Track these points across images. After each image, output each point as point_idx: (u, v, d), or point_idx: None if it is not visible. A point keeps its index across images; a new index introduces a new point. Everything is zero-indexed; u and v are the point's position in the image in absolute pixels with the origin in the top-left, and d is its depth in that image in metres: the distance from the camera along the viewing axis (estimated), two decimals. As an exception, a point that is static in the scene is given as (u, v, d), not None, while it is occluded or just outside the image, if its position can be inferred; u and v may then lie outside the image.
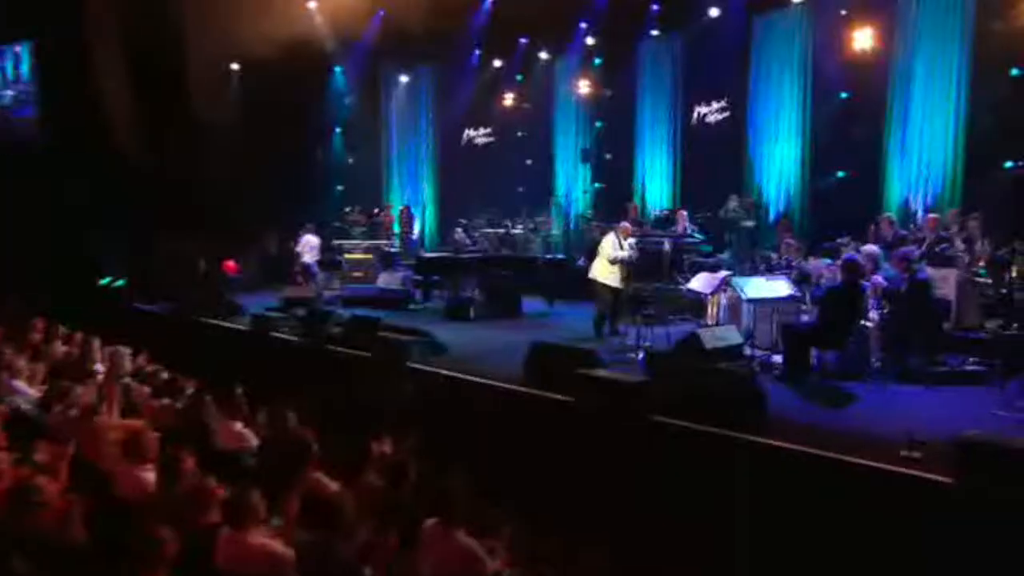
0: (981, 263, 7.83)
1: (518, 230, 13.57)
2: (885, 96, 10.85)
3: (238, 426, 5.43)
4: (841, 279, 6.22)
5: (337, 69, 16.20)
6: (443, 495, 3.73)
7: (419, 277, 11.48)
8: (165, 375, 6.76)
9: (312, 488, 4.09)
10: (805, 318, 6.78)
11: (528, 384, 6.35)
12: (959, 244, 8.09)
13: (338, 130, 16.84)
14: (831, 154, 11.31)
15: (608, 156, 14.66)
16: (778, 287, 6.99)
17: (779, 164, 12.23)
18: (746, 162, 12.62)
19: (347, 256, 13.07)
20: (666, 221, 12.24)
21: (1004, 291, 6.74)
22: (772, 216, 12.18)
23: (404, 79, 16.98)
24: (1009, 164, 9.31)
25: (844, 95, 11.36)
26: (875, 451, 4.51)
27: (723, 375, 5.39)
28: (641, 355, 7.37)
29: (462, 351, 8.02)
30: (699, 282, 8.14)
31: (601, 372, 5.83)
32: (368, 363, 7.51)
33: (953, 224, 8.67)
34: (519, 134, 15.80)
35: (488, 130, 16.43)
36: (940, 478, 3.99)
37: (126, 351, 7.45)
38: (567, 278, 11.20)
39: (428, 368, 7.03)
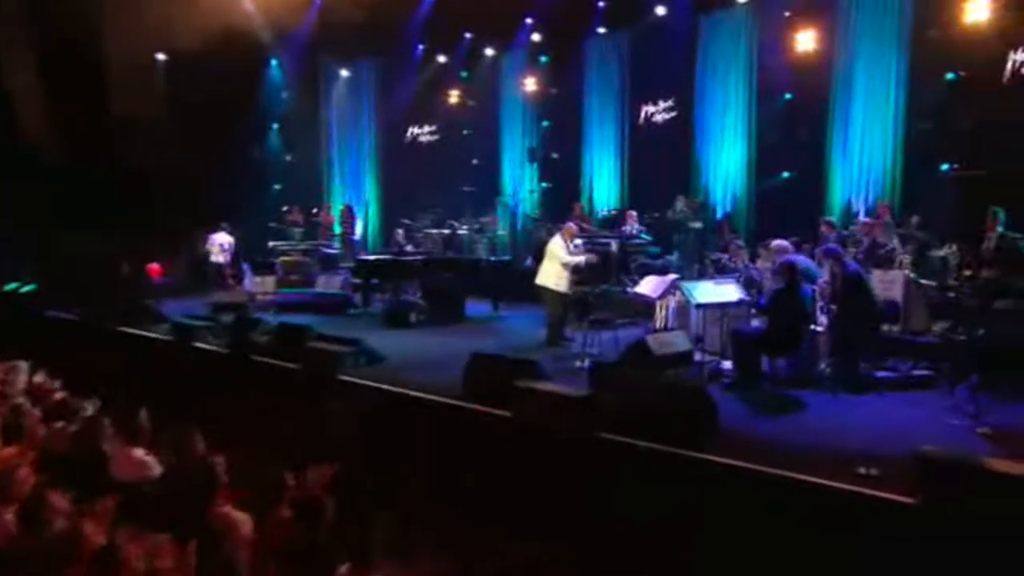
0: (914, 264, 7.74)
1: (463, 231, 13.08)
2: (827, 98, 10.90)
3: (139, 452, 4.79)
4: (780, 284, 5.95)
5: (273, 62, 15.38)
6: (363, 536, 3.22)
7: (358, 281, 10.83)
8: (60, 394, 5.99)
9: (216, 523, 3.53)
10: (755, 323, 6.51)
11: (467, 398, 5.88)
12: (897, 245, 7.98)
13: (275, 126, 16.01)
14: (776, 155, 11.33)
15: (555, 155, 14.37)
16: (727, 291, 6.72)
17: (725, 165, 12.18)
18: (693, 162, 12.54)
19: (283, 258, 12.32)
20: (614, 222, 11.99)
21: (951, 295, 6.58)
22: (719, 217, 12.12)
23: (345, 73, 16.28)
24: (946, 167, 9.41)
25: (788, 96, 11.41)
26: (831, 466, 4.22)
27: (673, 388, 5.04)
28: (587, 363, 6.99)
29: (400, 360, 7.50)
30: (647, 286, 7.84)
31: (543, 385, 5.41)
32: (295, 376, 6.90)
33: (883, 216, 8.49)
34: (465, 132, 15.42)
35: (433, 127, 15.98)
36: (901, 498, 3.69)
37: (24, 366, 6.62)
38: (513, 280, 10.83)
39: (360, 381, 6.48)
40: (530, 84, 14.68)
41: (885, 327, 6.79)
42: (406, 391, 6.11)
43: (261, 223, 13.74)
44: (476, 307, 10.67)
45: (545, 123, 14.69)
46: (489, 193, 14.92)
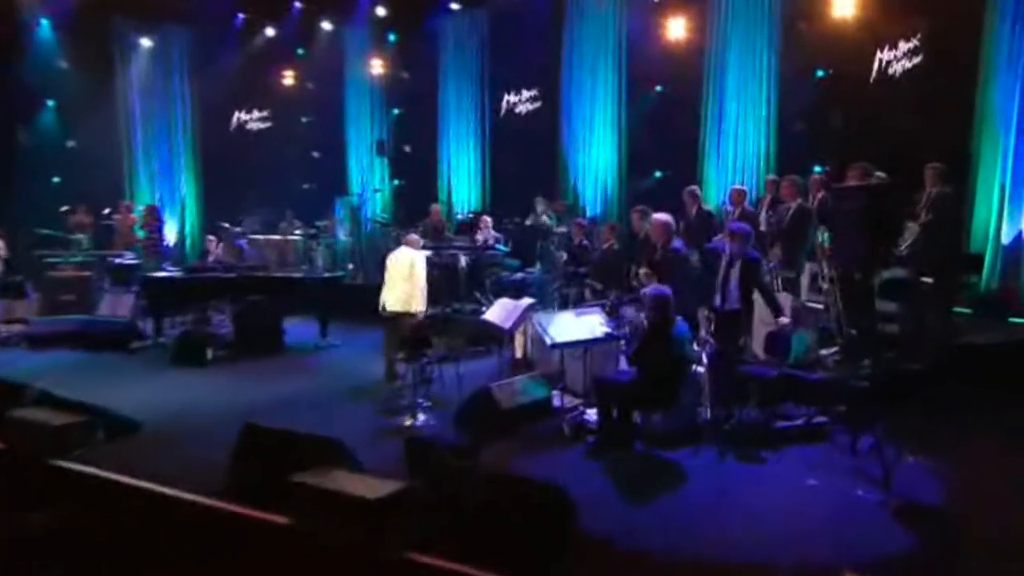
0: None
1: (297, 235, 11.18)
2: (701, 92, 10.30)
3: None
4: (648, 320, 4.80)
5: (43, 22, 12.49)
6: None
7: (147, 303, 8.66)
8: None
9: None
10: (624, 364, 5.28)
11: (234, 492, 4.17)
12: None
13: (50, 103, 13.10)
14: (648, 153, 10.74)
15: (407, 148, 13.30)
16: (590, 324, 5.47)
17: (595, 162, 11.43)
18: (560, 160, 11.76)
19: (53, 273, 9.78)
20: (471, 227, 10.68)
21: (836, 324, 5.73)
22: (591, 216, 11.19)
23: (146, 43, 13.64)
24: (818, 169, 8.80)
25: (660, 88, 10.83)
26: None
27: (513, 485, 3.62)
28: (421, 419, 5.52)
29: (166, 424, 5.63)
30: (497, 311, 6.51)
31: (335, 478, 3.81)
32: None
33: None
34: (303, 120, 13.95)
35: (264, 113, 14.29)
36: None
37: None
38: (350, 298, 9.17)
39: (83, 468, 4.56)
40: (377, 66, 13.21)
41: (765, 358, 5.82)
42: (143, 484, 4.28)
43: (33, 225, 10.98)
44: (303, 332, 8.87)
45: (396, 111, 13.51)
46: (333, 191, 13.28)
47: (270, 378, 7.18)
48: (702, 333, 5.26)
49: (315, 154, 13.83)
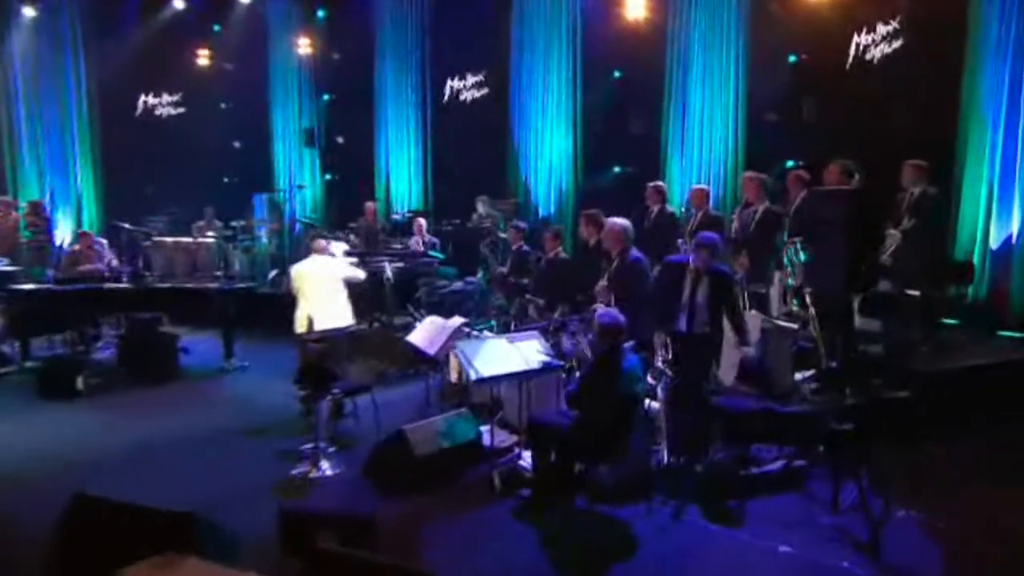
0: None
1: (209, 238, 10.34)
2: (663, 79, 9.88)
3: None
4: (596, 351, 4.23)
5: None
6: None
7: (9, 320, 7.73)
8: None
9: None
10: (568, 401, 4.65)
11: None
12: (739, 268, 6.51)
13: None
14: (607, 145, 10.40)
15: (340, 139, 12.79)
16: (526, 351, 4.82)
17: (548, 155, 11.03)
18: (510, 153, 11.36)
19: None
20: (407, 229, 10.14)
21: (813, 343, 5.22)
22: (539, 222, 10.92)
23: (29, 12, 12.56)
24: (791, 164, 8.43)
25: (618, 74, 10.42)
26: None
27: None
28: (324, 468, 4.83)
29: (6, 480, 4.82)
30: (422, 333, 5.89)
31: (180, 571, 3.08)
32: None
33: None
34: (221, 105, 13.27)
35: (176, 97, 13.56)
36: None
37: None
38: (264, 311, 8.41)
39: None
40: (305, 45, 12.50)
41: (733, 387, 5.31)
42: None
43: None
44: (208, 352, 8.09)
45: (326, 97, 12.91)
46: (258, 186, 12.63)
47: (152, 413, 6.39)
48: (659, 362, 4.66)
49: (236, 144, 13.26)
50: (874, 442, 4.57)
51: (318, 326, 5.93)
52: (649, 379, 4.66)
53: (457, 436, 4.86)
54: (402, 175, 12.55)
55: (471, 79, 11.73)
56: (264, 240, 10.90)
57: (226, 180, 12.87)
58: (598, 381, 4.04)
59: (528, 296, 6.35)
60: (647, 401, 4.64)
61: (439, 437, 4.76)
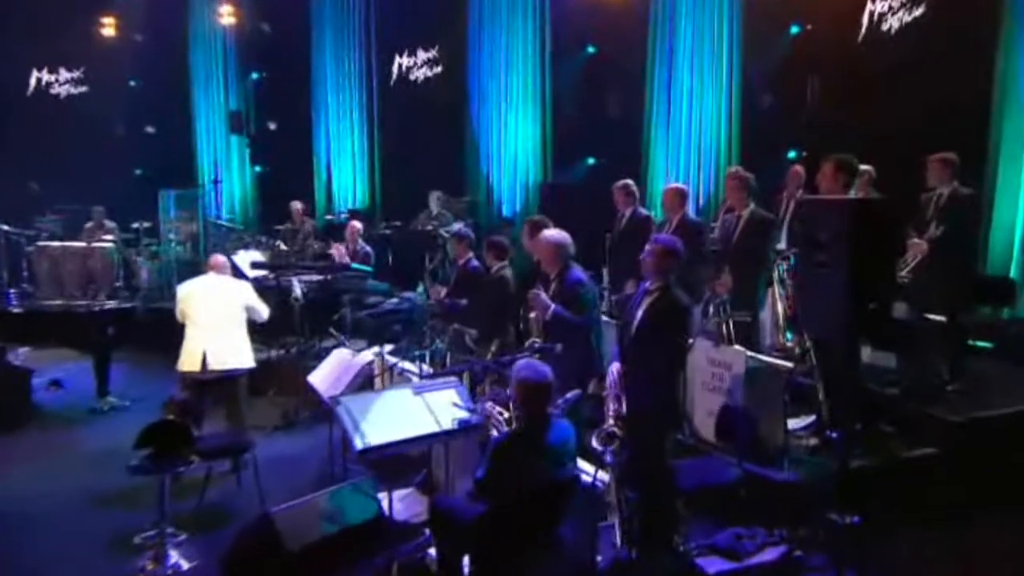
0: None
1: (107, 242, 9.58)
2: (644, 53, 9.62)
3: None
4: (515, 415, 3.51)
5: None
6: None
7: None
8: None
9: None
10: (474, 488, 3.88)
11: None
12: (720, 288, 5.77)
13: None
14: (579, 133, 10.19)
15: (271, 125, 12.52)
16: (438, 407, 4.05)
17: (513, 144, 11.03)
18: (468, 140, 11.29)
19: None
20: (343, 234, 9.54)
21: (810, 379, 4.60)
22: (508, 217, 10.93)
23: None
24: (792, 154, 8.29)
25: (592, 50, 10.18)
26: None
27: None
28: (172, 562, 4.07)
29: None
30: (325, 371, 5.25)
31: None
32: None
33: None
34: (131, 83, 13.02)
35: (77, 74, 13.45)
36: None
37: None
38: (164, 333, 7.63)
39: None
40: (228, 14, 12.25)
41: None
42: None
43: None
44: (83, 386, 7.32)
45: (255, 75, 12.75)
46: (176, 180, 11.94)
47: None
48: (608, 425, 3.95)
49: (149, 129, 13.05)
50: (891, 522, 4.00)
51: (213, 362, 5.34)
52: (595, 443, 3.91)
53: (347, 516, 4.06)
54: (345, 167, 12.41)
55: (422, 55, 11.57)
56: (174, 245, 10.15)
57: (138, 172, 12.61)
58: (511, 462, 3.27)
59: (456, 327, 5.58)
60: (595, 472, 3.89)
61: (321, 521, 3.96)
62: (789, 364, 4.82)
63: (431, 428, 3.99)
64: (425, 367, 5.66)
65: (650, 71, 9.53)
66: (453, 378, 4.33)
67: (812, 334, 4.05)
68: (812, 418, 4.98)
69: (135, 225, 10.31)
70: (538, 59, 10.50)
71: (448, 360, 5.86)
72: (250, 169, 12.63)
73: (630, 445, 3.92)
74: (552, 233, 4.80)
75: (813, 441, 4.71)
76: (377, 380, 5.65)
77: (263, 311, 5.66)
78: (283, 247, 9.41)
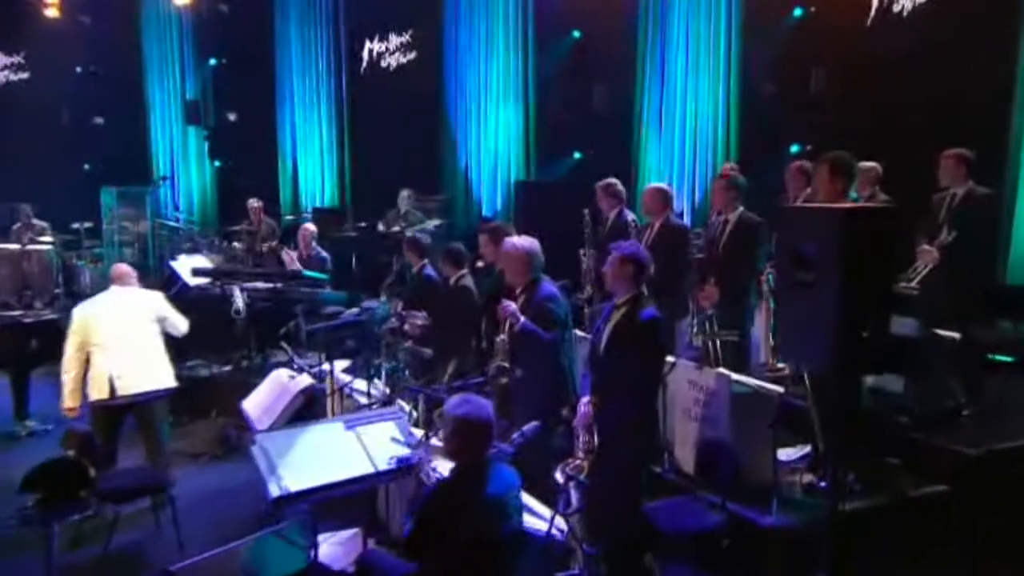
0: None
1: (45, 243, 9.47)
2: (634, 38, 9.52)
3: None
4: (452, 470, 3.21)
5: None
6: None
7: None
8: None
9: None
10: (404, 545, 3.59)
11: None
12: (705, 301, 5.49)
13: None
14: (565, 125, 10.14)
15: (231, 116, 12.28)
16: (374, 443, 3.72)
17: (494, 137, 10.80)
18: (445, 134, 11.24)
19: None
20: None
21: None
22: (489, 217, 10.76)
23: None
24: (796, 148, 8.23)
25: (578, 34, 10.07)
26: None
27: None
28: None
29: None
30: (260, 397, 5.07)
31: None
32: None
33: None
34: (78, 70, 12.88)
35: (16, 58, 13.49)
36: None
37: None
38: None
39: None
40: None
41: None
42: None
43: None
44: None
45: (213, 61, 12.67)
46: (128, 176, 12.08)
47: None
48: (575, 459, 3.68)
49: (98, 120, 12.89)
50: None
51: (123, 387, 5.02)
52: (558, 476, 3.63)
53: (268, 571, 3.78)
54: (312, 162, 12.42)
55: (395, 40, 11.52)
56: (119, 247, 10.00)
57: (87, 167, 12.47)
58: (444, 517, 2.95)
59: (408, 344, 5.28)
60: (556, 520, 3.59)
61: (238, 576, 3.67)
62: (779, 388, 4.54)
63: (364, 469, 3.68)
64: (379, 387, 5.41)
65: (641, 58, 9.45)
66: (394, 408, 4.03)
67: (792, 365, 3.76)
68: (806, 449, 4.72)
69: (75, 225, 10.19)
70: (519, 45, 10.43)
71: (397, 382, 5.58)
72: (209, 164, 12.60)
73: (596, 484, 3.64)
74: (520, 240, 4.52)
75: (807, 478, 4.43)
76: (329, 402, 5.43)
77: (180, 323, 5.36)
78: (238, 250, 9.25)
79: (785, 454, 4.71)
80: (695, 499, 4.26)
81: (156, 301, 5.43)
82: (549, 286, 4.48)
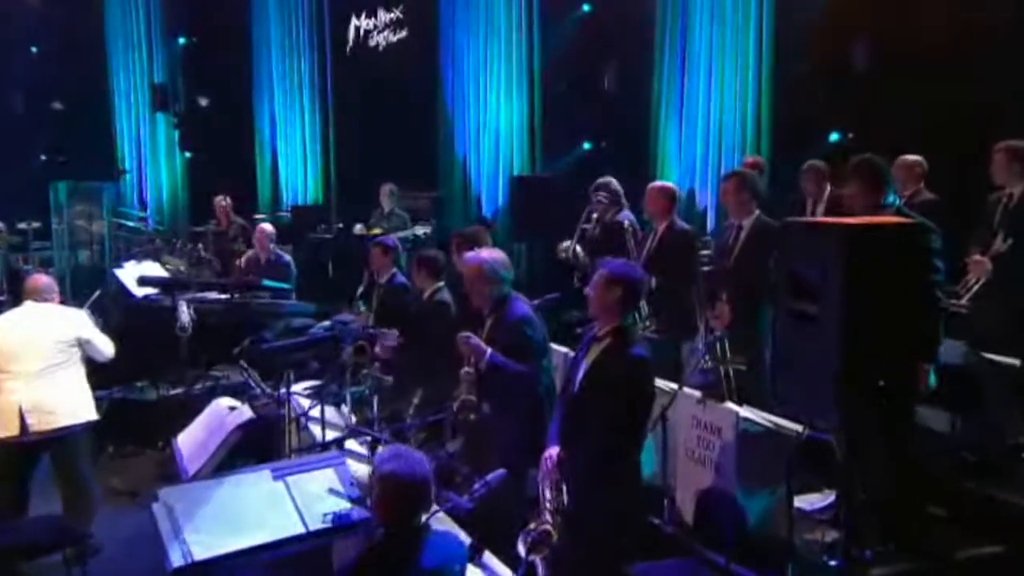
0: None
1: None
2: (652, 12, 9.47)
3: None
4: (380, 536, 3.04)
5: None
6: None
7: None
8: None
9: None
10: None
11: None
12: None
13: None
14: (573, 112, 10.17)
15: (203, 101, 12.54)
16: (307, 496, 3.50)
17: (495, 124, 10.85)
18: (442, 120, 11.35)
19: None
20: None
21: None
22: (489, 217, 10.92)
23: None
24: (836, 137, 8.23)
25: (588, 7, 10.11)
26: None
27: None
28: None
29: None
30: (195, 433, 4.80)
31: None
32: None
33: None
34: (33, 49, 12.88)
35: None
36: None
37: None
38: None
39: None
40: None
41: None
42: None
43: None
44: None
45: (183, 41, 12.86)
46: (85, 168, 11.95)
47: None
48: (539, 524, 3.42)
49: (56, 105, 12.86)
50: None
51: (36, 422, 4.81)
52: (520, 548, 3.38)
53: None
54: (293, 153, 12.55)
55: (384, 16, 11.63)
56: (70, 250, 10.10)
57: (43, 158, 12.50)
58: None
59: (367, 371, 5.09)
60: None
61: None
62: (798, 426, 4.29)
63: (292, 529, 3.45)
64: (343, 414, 5.23)
65: (660, 34, 9.39)
66: (333, 452, 3.81)
67: (789, 414, 3.51)
68: (831, 497, 4.45)
69: (22, 225, 10.13)
70: (523, 20, 10.35)
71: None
72: (180, 156, 12.67)
73: (567, 552, 3.39)
74: (484, 255, 4.32)
75: (831, 535, 4.15)
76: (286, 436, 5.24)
77: (104, 348, 5.15)
78: (203, 254, 9.12)
79: (807, 502, 4.50)
80: (693, 562, 4.03)
81: (77, 320, 5.21)
82: (521, 305, 4.27)
